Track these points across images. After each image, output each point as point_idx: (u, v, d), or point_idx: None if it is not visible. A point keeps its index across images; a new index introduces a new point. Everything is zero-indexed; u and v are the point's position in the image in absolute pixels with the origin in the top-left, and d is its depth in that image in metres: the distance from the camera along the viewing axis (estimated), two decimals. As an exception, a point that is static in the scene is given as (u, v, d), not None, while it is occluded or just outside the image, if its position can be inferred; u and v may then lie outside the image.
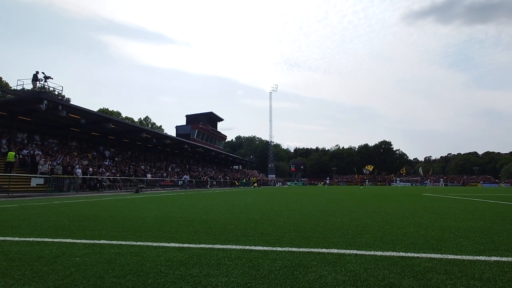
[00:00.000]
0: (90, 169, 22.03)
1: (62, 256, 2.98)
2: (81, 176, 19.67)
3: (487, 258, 2.88)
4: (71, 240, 3.75)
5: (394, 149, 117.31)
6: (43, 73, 20.41)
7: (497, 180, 77.48)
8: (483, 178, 78.39)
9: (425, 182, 66.06)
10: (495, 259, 2.85)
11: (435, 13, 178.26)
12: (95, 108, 44.36)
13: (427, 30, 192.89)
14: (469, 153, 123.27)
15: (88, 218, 5.99)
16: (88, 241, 3.69)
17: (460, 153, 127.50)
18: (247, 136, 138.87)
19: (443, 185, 62.33)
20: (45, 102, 18.72)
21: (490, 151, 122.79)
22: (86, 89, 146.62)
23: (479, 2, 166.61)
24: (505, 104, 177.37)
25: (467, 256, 2.96)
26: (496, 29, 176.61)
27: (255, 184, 44.77)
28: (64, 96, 21.03)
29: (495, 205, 9.46)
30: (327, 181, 76.41)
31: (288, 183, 78.95)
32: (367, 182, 65.21)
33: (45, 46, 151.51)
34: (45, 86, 20.43)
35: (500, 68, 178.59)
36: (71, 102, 21.35)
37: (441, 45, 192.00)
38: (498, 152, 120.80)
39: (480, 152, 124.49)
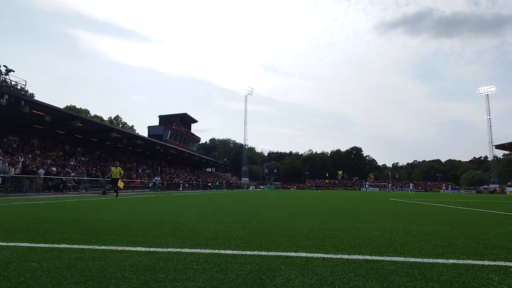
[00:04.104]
0: (54, 168, 20.93)
1: (17, 261, 2.79)
2: (43, 176, 18.62)
3: (445, 261, 3.03)
4: (28, 244, 3.52)
5: (364, 155, 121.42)
6: (4, 66, 19.22)
7: (457, 187, 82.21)
8: (445, 185, 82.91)
9: (400, 187, 67.50)
10: (453, 262, 3.00)
11: (405, 24, 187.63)
12: (61, 105, 42.31)
13: (397, 41, 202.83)
14: (433, 161, 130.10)
15: (49, 220, 5.67)
16: (47, 245, 3.47)
17: (425, 160, 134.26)
18: (222, 138, 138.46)
19: (449, 190, 63.49)
20: (6, 96, 17.59)
21: (452, 159, 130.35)
22: (52, 84, 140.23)
23: (446, 17, 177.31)
24: (466, 115, 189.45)
25: (427, 259, 3.09)
26: (460, 44, 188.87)
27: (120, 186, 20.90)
28: (27, 91, 19.95)
29: (455, 210, 10.01)
30: (367, 185, 62.52)
31: (261, 187, 79.33)
32: (315, 189, 49.65)
33: (7, 38, 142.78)
34: (7, 80, 19.23)
35: (463, 81, 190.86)
36: (35, 98, 20.20)
37: (410, 57, 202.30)
38: (459, 160, 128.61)
39: (443, 160, 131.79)
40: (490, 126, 73.43)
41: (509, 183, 61.66)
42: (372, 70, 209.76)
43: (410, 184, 65.03)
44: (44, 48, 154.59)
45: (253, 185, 77.04)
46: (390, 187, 73.01)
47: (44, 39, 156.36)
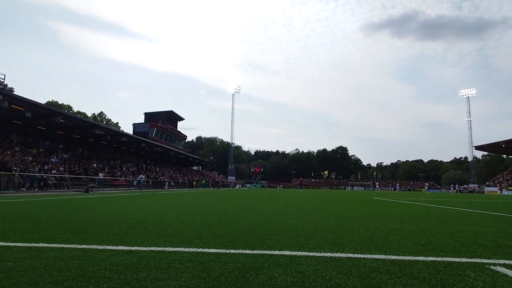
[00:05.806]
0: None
1: (-9, 261, 2.69)
2: (19, 172, 18.03)
3: (425, 258, 3.10)
4: (4, 244, 3.40)
5: (350, 154, 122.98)
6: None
7: (439, 186, 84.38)
8: (452, 186, 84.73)
9: (385, 187, 67.53)
10: (432, 259, 3.08)
11: (391, 26, 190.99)
12: (42, 101, 41.08)
13: (383, 43, 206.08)
14: (416, 161, 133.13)
15: (27, 219, 5.50)
16: (24, 244, 3.37)
17: (408, 160, 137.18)
18: (208, 136, 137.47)
19: (451, 191, 62.83)
20: (-16, 90, 16.95)
21: (434, 159, 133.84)
22: (33, 79, 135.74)
23: (430, 20, 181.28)
24: (448, 116, 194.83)
25: (408, 257, 3.16)
26: (443, 47, 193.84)
27: None
28: (6, 85, 19.22)
29: (436, 209, 10.28)
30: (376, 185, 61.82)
31: (248, 185, 79.31)
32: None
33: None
34: (-16, 73, 18.50)
35: (445, 83, 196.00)
36: (15, 92, 19.52)
37: (395, 58, 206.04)
38: (441, 161, 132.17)
39: (425, 160, 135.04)
40: (471, 128, 75.56)
41: (487, 183, 63.77)
42: (358, 70, 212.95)
43: (426, 184, 63.07)
44: (25, 41, 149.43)
45: (239, 184, 76.91)
46: (397, 187, 73.59)
47: (24, 32, 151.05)
